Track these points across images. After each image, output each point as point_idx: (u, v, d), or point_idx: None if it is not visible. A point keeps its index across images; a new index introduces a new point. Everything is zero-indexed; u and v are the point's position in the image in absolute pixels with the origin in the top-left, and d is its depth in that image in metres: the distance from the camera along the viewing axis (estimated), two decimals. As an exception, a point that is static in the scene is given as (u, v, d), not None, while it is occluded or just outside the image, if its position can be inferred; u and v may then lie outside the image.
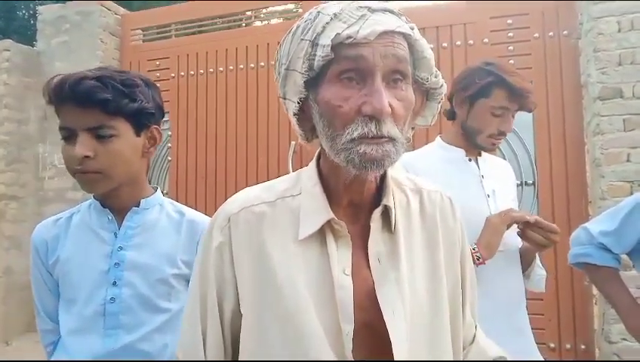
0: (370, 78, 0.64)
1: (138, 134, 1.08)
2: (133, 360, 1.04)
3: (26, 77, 4.32)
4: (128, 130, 1.05)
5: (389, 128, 0.64)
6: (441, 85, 0.75)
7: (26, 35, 8.98)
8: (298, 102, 0.70)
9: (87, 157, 1.00)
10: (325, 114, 0.67)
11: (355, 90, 0.65)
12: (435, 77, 0.73)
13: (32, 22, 9.22)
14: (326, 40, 0.64)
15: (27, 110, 4.32)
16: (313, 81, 0.68)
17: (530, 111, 1.50)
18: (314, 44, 0.66)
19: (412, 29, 0.68)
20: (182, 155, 3.94)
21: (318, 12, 0.68)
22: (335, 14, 0.66)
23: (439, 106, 0.78)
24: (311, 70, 0.67)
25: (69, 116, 1.02)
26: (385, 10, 0.67)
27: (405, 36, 0.67)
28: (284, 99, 0.73)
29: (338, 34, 0.64)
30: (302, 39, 0.67)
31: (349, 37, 0.63)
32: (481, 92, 1.44)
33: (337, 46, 0.64)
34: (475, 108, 1.47)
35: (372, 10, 0.66)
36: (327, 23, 0.65)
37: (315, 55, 0.65)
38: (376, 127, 0.63)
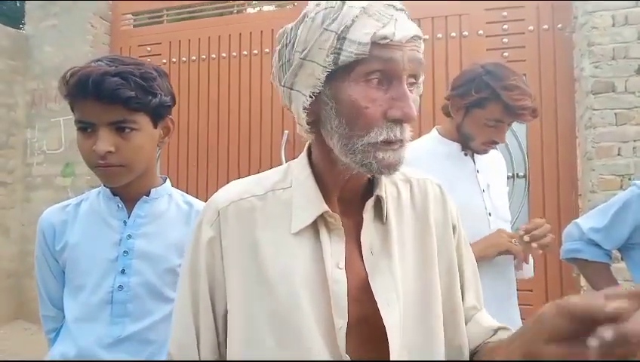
0: (397, 81, 0.63)
1: (155, 126, 1.08)
2: (133, 360, 1.04)
3: (13, 61, 4.24)
4: (147, 123, 1.06)
5: (407, 132, 0.65)
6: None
7: (15, 17, 8.80)
8: (311, 96, 0.66)
9: (109, 152, 1.00)
10: (346, 113, 0.64)
11: (380, 93, 0.64)
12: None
13: (19, 4, 9.04)
14: (360, 37, 0.61)
15: (15, 95, 4.25)
16: (332, 76, 0.65)
17: (528, 122, 1.50)
18: (340, 37, 0.62)
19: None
20: (173, 143, 3.90)
21: (343, 2, 0.64)
22: (364, 8, 0.63)
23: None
24: (335, 64, 0.63)
25: (89, 111, 1.00)
26: (402, 11, 0.66)
27: (421, 39, 0.67)
28: (291, 89, 0.69)
29: (375, 33, 0.61)
30: (325, 29, 0.63)
31: (385, 37, 0.61)
32: (476, 103, 1.43)
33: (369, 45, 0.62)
34: (469, 117, 1.47)
35: (397, 10, 0.65)
36: (356, 17, 0.62)
37: (341, 49, 0.62)
38: (400, 132, 0.64)
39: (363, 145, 0.64)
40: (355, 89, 0.63)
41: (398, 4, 0.66)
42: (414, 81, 0.66)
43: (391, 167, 0.65)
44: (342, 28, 0.62)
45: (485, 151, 1.52)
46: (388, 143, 0.64)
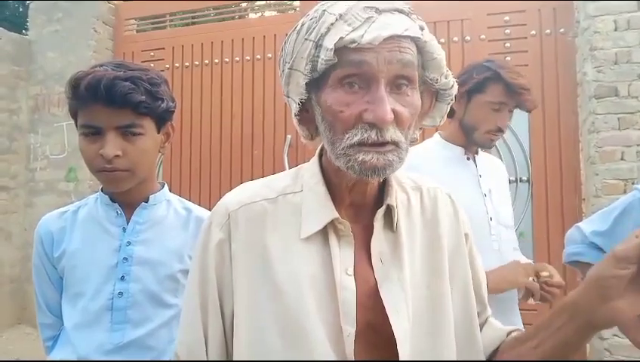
0: (374, 84, 0.62)
1: (159, 131, 1.10)
2: (138, 360, 1.03)
3: (17, 66, 4.26)
4: (152, 127, 1.07)
5: (392, 134, 0.63)
6: (452, 86, 0.72)
7: (18, 23, 8.85)
8: (300, 103, 0.68)
9: (116, 156, 1.01)
10: (326, 118, 0.66)
11: (357, 96, 0.63)
12: (446, 77, 0.70)
13: (22, 10, 9.09)
14: (329, 43, 0.62)
15: (18, 100, 4.27)
16: (316, 83, 0.66)
17: (528, 111, 1.51)
18: (317, 45, 0.64)
19: (422, 29, 0.65)
20: (176, 148, 3.91)
21: (324, 10, 0.65)
22: (340, 15, 0.63)
23: (448, 107, 0.75)
24: (314, 72, 0.65)
25: (97, 115, 1.01)
26: (394, 10, 0.64)
27: (413, 39, 0.64)
28: (288, 97, 0.71)
29: (342, 38, 0.61)
30: (306, 39, 0.65)
31: (353, 41, 0.61)
32: (477, 87, 1.45)
33: (341, 50, 0.62)
34: (472, 104, 1.48)
35: (379, 11, 0.63)
36: (331, 24, 0.63)
37: (318, 57, 0.63)
38: (377, 135, 0.62)
39: (344, 148, 0.64)
40: (332, 94, 0.64)
41: (384, 4, 0.64)
42: (405, 82, 0.64)
43: (376, 170, 0.63)
44: (318, 36, 0.64)
45: (491, 143, 1.51)
46: (371, 145, 0.62)
